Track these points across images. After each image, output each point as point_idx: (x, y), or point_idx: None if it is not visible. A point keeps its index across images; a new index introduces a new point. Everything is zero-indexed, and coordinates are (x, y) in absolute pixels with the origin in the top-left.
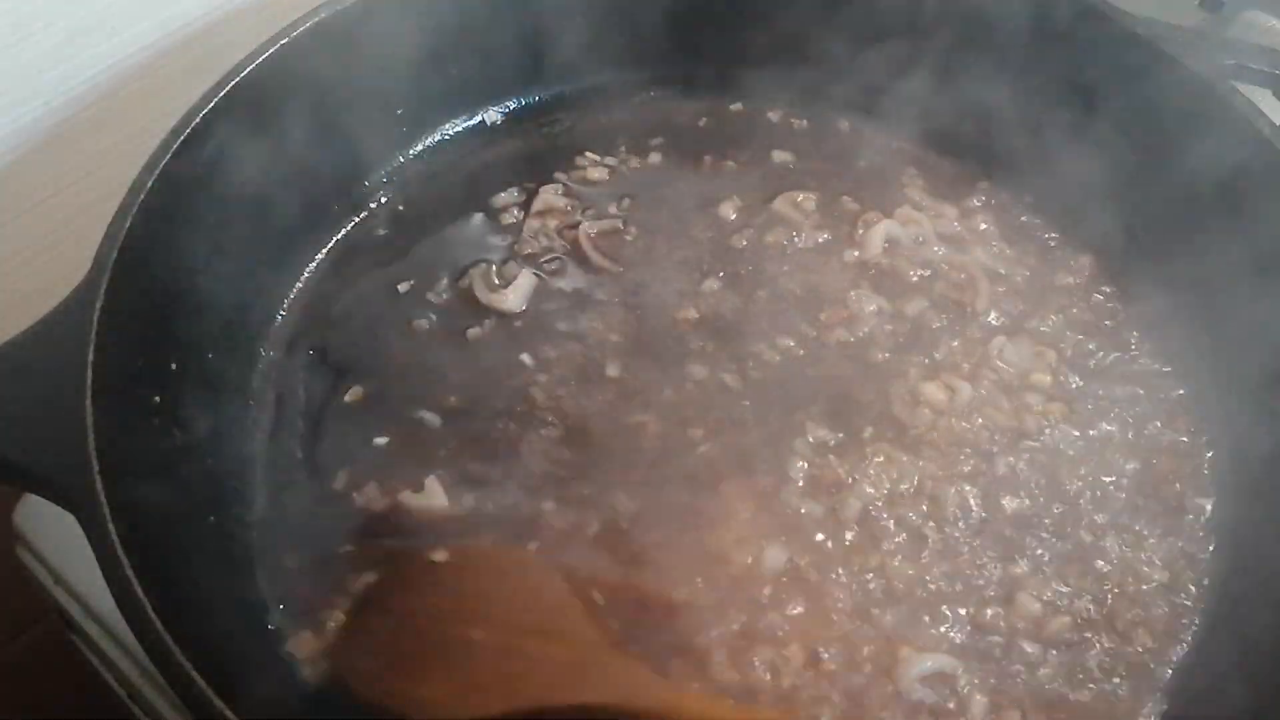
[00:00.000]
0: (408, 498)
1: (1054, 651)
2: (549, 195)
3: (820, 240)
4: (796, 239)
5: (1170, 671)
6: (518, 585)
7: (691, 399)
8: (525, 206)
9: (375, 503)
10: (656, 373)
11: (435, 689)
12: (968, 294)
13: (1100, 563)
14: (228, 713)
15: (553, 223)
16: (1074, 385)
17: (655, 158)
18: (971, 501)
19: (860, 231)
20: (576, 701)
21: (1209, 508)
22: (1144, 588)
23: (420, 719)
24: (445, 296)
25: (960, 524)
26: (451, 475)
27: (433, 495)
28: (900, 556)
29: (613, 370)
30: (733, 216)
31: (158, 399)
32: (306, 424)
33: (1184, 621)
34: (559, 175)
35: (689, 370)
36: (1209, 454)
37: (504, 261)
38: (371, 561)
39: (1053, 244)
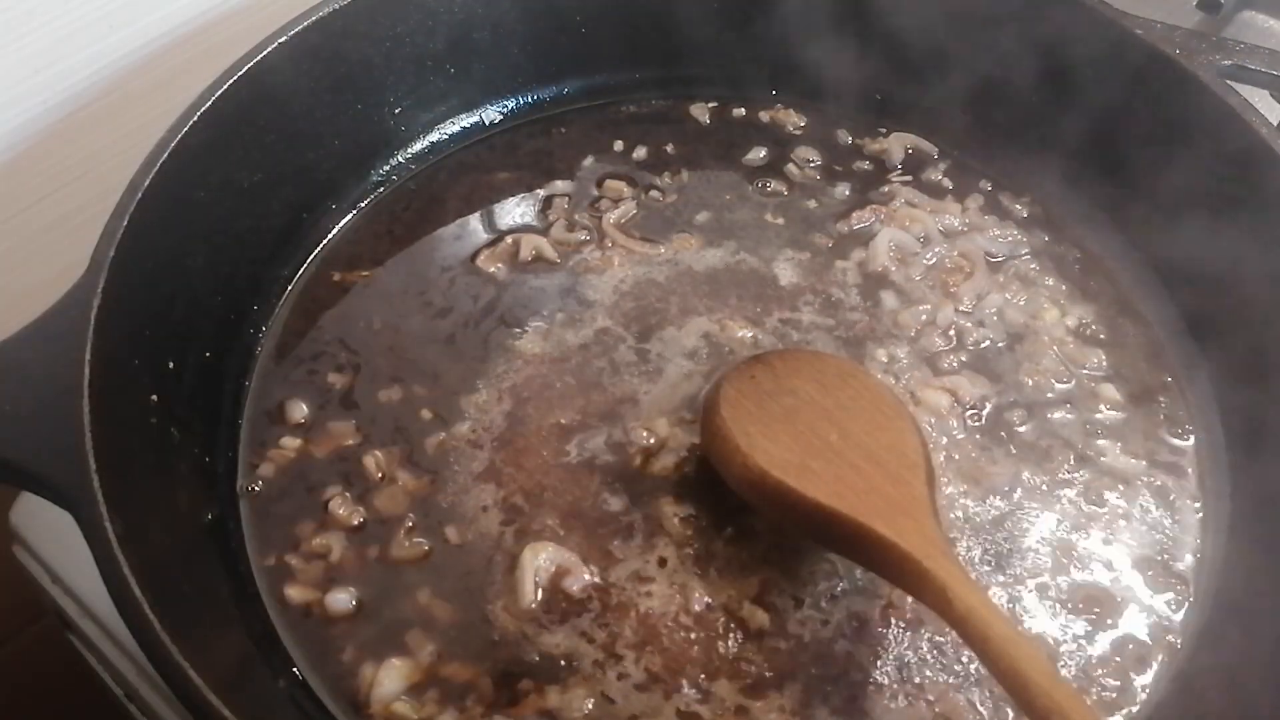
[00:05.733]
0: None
1: None
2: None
3: (827, 246)
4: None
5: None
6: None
7: None
8: (526, 204)
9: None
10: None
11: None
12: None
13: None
14: (225, 712)
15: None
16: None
17: (655, 157)
18: None
19: (863, 224)
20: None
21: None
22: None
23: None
24: (441, 295)
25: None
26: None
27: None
28: None
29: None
30: (733, 217)
31: (155, 398)
32: (302, 423)
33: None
34: (560, 174)
35: None
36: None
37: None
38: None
39: (1049, 240)
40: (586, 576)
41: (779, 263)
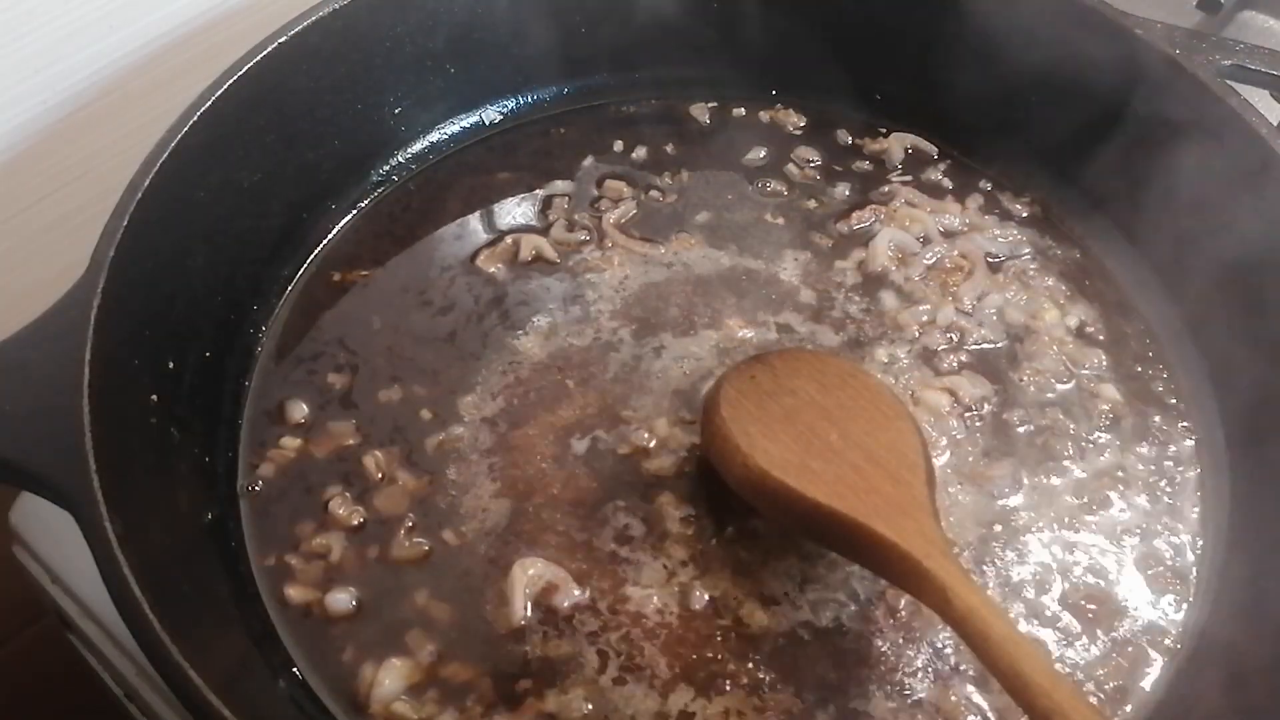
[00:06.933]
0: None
1: None
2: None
3: (827, 246)
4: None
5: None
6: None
7: None
8: (526, 204)
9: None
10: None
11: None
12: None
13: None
14: (225, 712)
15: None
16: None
17: (655, 157)
18: None
19: (863, 224)
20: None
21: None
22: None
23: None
24: (441, 295)
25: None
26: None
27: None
28: None
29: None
30: (733, 217)
31: (155, 398)
32: (302, 423)
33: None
34: (560, 174)
35: None
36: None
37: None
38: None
39: (1049, 241)
40: (576, 593)
41: (779, 263)
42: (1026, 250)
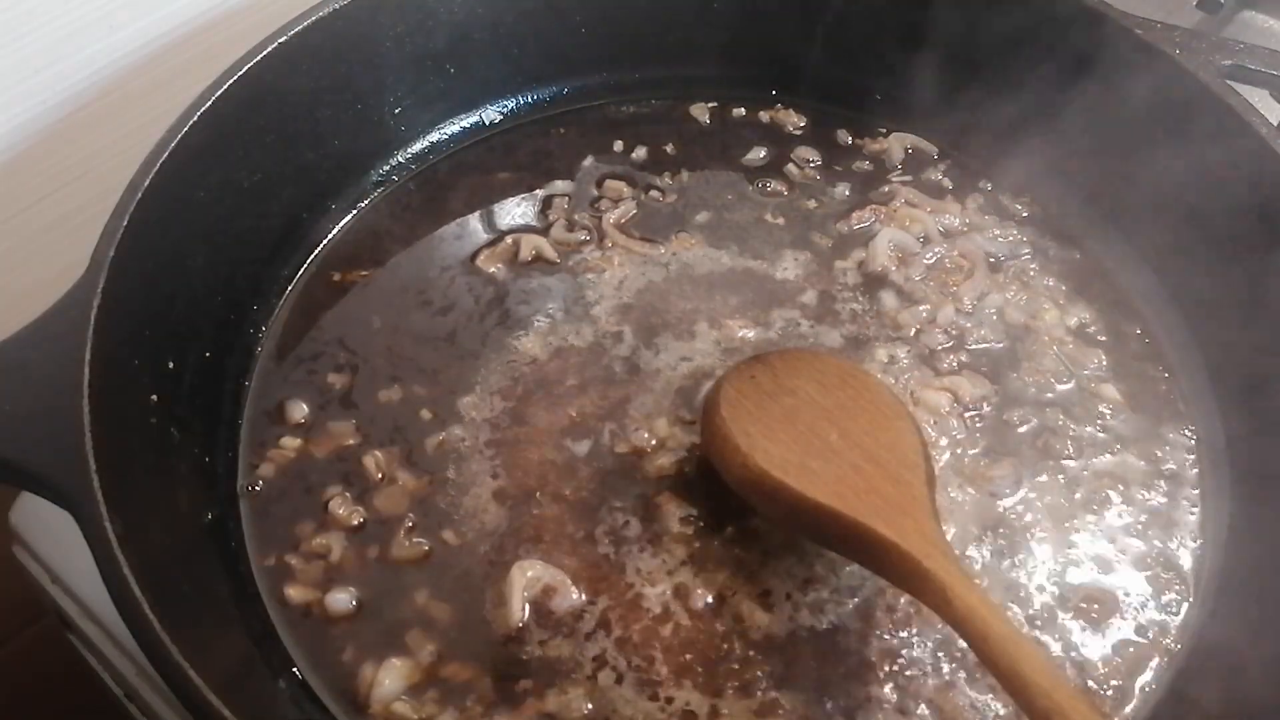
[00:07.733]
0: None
1: None
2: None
3: (827, 246)
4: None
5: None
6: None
7: None
8: (526, 204)
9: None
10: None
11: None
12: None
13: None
14: (225, 712)
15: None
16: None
17: (655, 157)
18: None
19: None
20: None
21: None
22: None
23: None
24: (441, 296)
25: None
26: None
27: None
28: None
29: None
30: (733, 217)
31: (155, 398)
32: (302, 423)
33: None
34: (560, 174)
35: None
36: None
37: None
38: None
39: (1049, 240)
40: (575, 594)
41: (779, 263)
42: (1026, 250)
